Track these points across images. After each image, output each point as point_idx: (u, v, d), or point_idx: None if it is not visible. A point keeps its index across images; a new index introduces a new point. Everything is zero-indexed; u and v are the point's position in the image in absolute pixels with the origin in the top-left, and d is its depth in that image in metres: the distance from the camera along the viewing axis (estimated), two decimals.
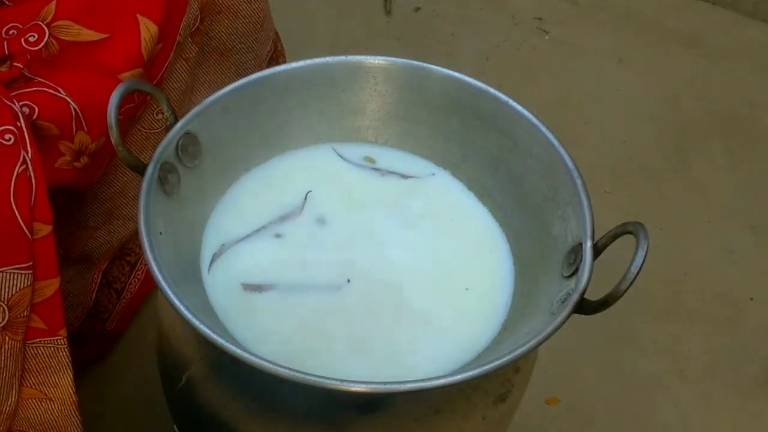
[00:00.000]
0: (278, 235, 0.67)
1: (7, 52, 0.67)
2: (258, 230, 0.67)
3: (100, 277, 0.94)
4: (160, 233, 0.59)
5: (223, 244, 0.66)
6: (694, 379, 1.07)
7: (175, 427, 0.73)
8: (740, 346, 1.10)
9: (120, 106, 0.59)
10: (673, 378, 1.06)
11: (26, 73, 0.67)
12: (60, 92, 0.67)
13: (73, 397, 0.71)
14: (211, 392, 0.63)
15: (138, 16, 0.70)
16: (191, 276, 0.64)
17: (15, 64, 0.66)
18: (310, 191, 0.70)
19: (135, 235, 0.94)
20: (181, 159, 0.63)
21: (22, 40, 0.66)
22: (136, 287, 0.99)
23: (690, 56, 1.47)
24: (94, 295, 0.94)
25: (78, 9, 0.68)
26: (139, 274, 0.98)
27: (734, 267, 1.19)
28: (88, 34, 0.68)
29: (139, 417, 0.96)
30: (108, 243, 0.91)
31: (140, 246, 0.57)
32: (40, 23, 0.68)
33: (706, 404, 1.04)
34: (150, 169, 0.60)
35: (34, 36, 0.67)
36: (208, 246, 0.66)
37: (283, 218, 0.68)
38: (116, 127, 0.59)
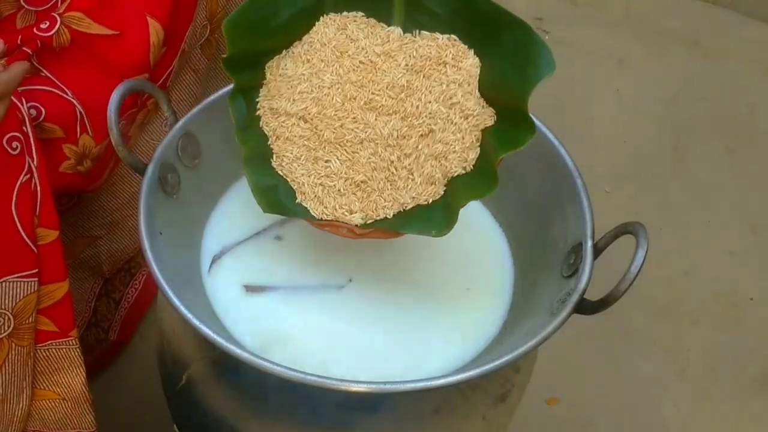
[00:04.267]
0: (279, 237, 0.67)
1: (19, 43, 0.67)
2: (258, 233, 0.67)
3: (100, 287, 0.94)
4: (160, 233, 0.59)
5: (224, 246, 0.66)
6: (694, 379, 1.07)
7: (175, 427, 0.73)
8: (740, 346, 1.10)
9: (120, 106, 0.60)
10: (673, 378, 1.06)
11: (34, 62, 0.67)
12: (67, 94, 0.67)
13: (87, 394, 0.72)
14: (211, 392, 0.63)
15: (147, 17, 0.70)
16: (191, 276, 0.64)
17: (24, 48, 0.66)
18: None
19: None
20: (181, 159, 0.63)
21: (35, 28, 0.67)
22: (134, 297, 0.99)
23: (689, 56, 1.47)
24: (93, 304, 0.94)
25: (89, 5, 0.69)
26: (136, 284, 0.98)
27: (734, 267, 1.18)
28: (99, 28, 0.69)
29: (139, 417, 0.96)
30: (108, 252, 0.91)
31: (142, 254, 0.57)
32: (54, 14, 0.68)
33: (706, 404, 1.04)
34: (150, 169, 0.60)
35: (46, 23, 0.67)
36: (209, 247, 0.66)
37: (284, 220, 0.68)
38: (116, 127, 0.59)
